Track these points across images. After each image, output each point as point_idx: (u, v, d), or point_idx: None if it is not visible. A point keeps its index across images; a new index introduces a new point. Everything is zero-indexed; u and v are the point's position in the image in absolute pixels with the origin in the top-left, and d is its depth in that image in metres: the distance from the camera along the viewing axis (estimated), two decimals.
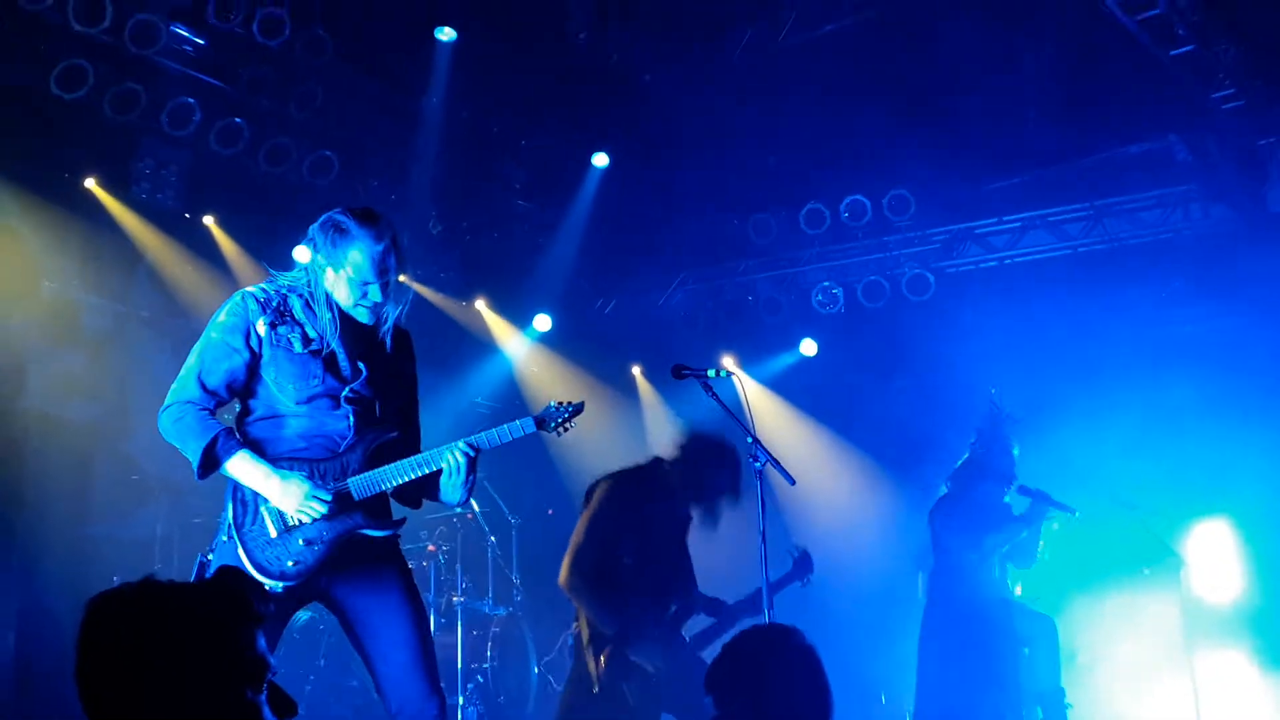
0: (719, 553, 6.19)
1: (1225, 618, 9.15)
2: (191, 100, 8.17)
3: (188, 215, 9.03)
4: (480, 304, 11.05)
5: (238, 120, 8.40)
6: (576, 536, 5.71)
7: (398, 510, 4.38)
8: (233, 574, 1.96)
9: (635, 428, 11.35)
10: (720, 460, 5.84)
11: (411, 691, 4.11)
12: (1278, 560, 9.17)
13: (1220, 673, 8.75)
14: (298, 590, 4.13)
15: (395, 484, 4.20)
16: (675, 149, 9.89)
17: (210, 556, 4.18)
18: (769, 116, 9.50)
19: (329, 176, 8.94)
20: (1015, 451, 7.34)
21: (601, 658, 5.48)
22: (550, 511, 10.36)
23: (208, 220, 9.14)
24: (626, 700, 5.47)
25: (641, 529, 5.72)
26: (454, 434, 4.36)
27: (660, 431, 10.15)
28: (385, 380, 4.30)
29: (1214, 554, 9.48)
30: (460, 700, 8.21)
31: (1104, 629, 9.20)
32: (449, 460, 4.19)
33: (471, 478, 4.24)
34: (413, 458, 4.23)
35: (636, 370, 11.83)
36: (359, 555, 4.18)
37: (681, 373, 5.12)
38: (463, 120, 9.56)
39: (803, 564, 6.23)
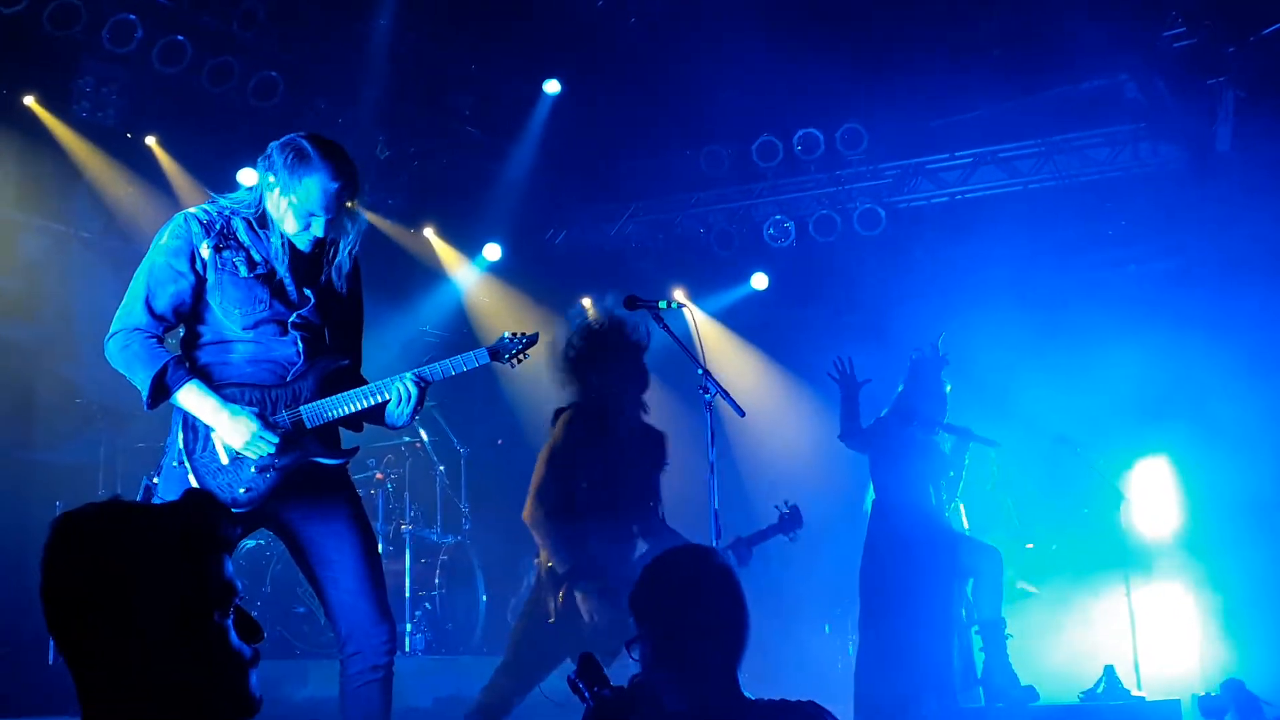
0: (671, 482, 6.17)
1: (1162, 552, 9.34)
2: (132, 16, 7.96)
3: (129, 135, 8.84)
4: (429, 231, 10.93)
5: (180, 38, 8.20)
6: (538, 471, 5.64)
7: (349, 439, 4.35)
8: (201, 496, 1.93)
9: None
10: (605, 350, 5.72)
11: (361, 617, 4.10)
12: (1212, 497, 9.35)
13: (1157, 605, 8.94)
14: (248, 517, 4.09)
15: (346, 412, 4.16)
16: (627, 78, 9.79)
17: (156, 481, 4.12)
18: (723, 47, 9.41)
19: (274, 98, 8.76)
20: (947, 389, 7.39)
21: (560, 595, 5.47)
22: (499, 441, 10.35)
23: (149, 140, 8.96)
24: (584, 634, 5.45)
25: (600, 462, 5.66)
26: (402, 362, 4.33)
27: None
28: (333, 306, 4.24)
29: (1153, 490, 9.65)
30: (408, 627, 8.24)
31: (1046, 562, 9.36)
32: (399, 389, 4.15)
33: (419, 406, 4.21)
34: (364, 387, 4.19)
35: (587, 301, 11.73)
36: (309, 482, 4.14)
37: (634, 304, 5.10)
38: (412, 43, 9.38)
39: (791, 519, 6.17)
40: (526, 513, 5.60)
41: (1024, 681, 7.13)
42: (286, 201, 4.06)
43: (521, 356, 4.43)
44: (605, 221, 11.61)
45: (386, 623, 4.14)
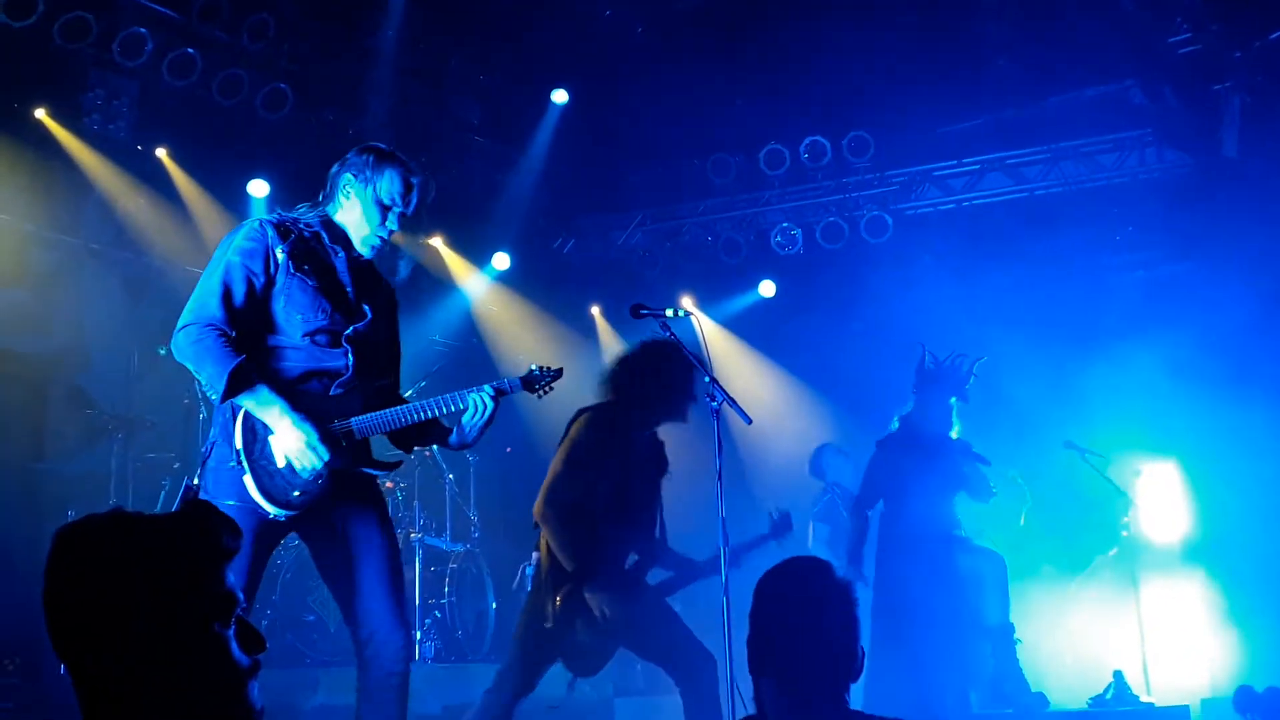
0: (677, 490, 6.19)
1: (1171, 556, 9.33)
2: (143, 30, 8.02)
3: (140, 147, 8.89)
4: (437, 241, 10.96)
5: (190, 51, 8.26)
6: (554, 467, 5.64)
7: (385, 453, 4.47)
8: (203, 506, 1.95)
9: (593, 367, 11.26)
10: (656, 360, 5.72)
11: (382, 620, 4.21)
12: (1221, 501, 9.33)
13: (1166, 610, 8.93)
14: (295, 519, 4.19)
15: (397, 426, 4.29)
16: (634, 88, 9.83)
17: (196, 483, 4.22)
18: (729, 56, 9.44)
19: (283, 110, 8.81)
20: (951, 401, 7.32)
21: (559, 597, 5.46)
22: (508, 450, 10.37)
23: (160, 153, 9.00)
24: (578, 637, 5.46)
25: (619, 466, 5.65)
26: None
27: None
28: (383, 323, 4.40)
29: (1161, 495, 9.64)
30: (418, 635, 8.26)
31: (1054, 568, 9.35)
32: (476, 400, 4.38)
33: (492, 419, 4.46)
34: (421, 401, 4.33)
35: (595, 310, 11.82)
36: (347, 489, 4.26)
37: (640, 312, 5.11)
38: (419, 53, 9.43)
39: (781, 525, 6.17)
40: (538, 508, 5.57)
41: (1033, 687, 7.13)
42: (369, 196, 4.28)
43: (550, 387, 4.70)
44: (613, 230, 11.65)
45: (404, 628, 4.27)
